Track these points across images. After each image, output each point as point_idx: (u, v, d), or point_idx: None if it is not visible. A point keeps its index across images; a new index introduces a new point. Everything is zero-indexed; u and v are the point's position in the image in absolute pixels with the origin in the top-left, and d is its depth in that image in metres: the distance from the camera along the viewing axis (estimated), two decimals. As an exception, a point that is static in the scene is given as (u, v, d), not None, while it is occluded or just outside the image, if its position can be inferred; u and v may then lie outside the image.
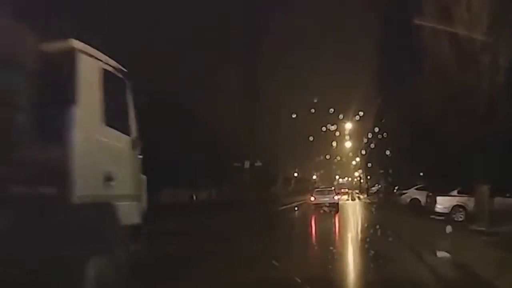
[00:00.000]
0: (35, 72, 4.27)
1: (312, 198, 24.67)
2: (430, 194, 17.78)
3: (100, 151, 4.85)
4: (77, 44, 4.72)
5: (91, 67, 4.87)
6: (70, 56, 4.59)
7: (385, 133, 32.36)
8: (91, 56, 4.90)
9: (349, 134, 51.91)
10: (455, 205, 15.49)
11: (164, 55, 23.19)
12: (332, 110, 43.47)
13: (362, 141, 45.14)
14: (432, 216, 15.86)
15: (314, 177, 68.26)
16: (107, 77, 5.10)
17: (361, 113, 42.43)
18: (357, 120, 44.93)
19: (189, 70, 25.91)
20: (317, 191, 25.38)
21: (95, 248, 4.45)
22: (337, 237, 13.39)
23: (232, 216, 19.76)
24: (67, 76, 4.52)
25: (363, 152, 47.10)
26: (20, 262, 3.83)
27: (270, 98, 39.16)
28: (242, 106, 35.51)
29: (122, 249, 5.02)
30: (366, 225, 17.22)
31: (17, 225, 3.93)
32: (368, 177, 51.95)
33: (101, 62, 5.08)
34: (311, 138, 47.11)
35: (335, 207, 23.35)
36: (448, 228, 9.92)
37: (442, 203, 15.81)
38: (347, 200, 41.32)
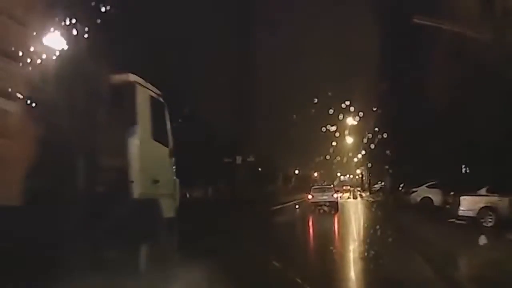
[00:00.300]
0: (106, 100, 5.52)
1: (310, 196, 23.24)
2: (452, 193, 15.11)
3: (150, 159, 6.30)
4: (134, 77, 6.21)
5: (144, 95, 6.38)
6: (131, 88, 6.13)
7: (385, 134, 32.05)
8: (144, 86, 6.40)
9: (350, 132, 51.49)
10: (482, 207, 12.78)
11: (161, 54, 22.66)
12: (332, 110, 42.74)
13: (363, 141, 44.76)
14: (451, 220, 13.57)
15: (316, 174, 66.84)
16: (153, 102, 6.60)
17: (361, 114, 42.15)
18: (358, 121, 44.56)
19: (188, 70, 25.81)
20: (314, 188, 23.80)
21: (148, 232, 5.94)
22: (336, 242, 11.65)
23: (224, 217, 17.99)
24: (130, 103, 6.05)
25: (363, 152, 46.67)
26: (98, 242, 4.97)
27: (270, 98, 38.98)
28: (242, 107, 35.32)
29: (165, 236, 6.51)
30: (370, 229, 14.72)
31: (96, 214, 4.92)
32: (370, 174, 50.84)
33: (149, 91, 6.56)
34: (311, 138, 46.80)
35: (335, 206, 21.88)
36: (482, 239, 8.19)
37: (467, 205, 13.10)
38: (349, 198, 39.96)
